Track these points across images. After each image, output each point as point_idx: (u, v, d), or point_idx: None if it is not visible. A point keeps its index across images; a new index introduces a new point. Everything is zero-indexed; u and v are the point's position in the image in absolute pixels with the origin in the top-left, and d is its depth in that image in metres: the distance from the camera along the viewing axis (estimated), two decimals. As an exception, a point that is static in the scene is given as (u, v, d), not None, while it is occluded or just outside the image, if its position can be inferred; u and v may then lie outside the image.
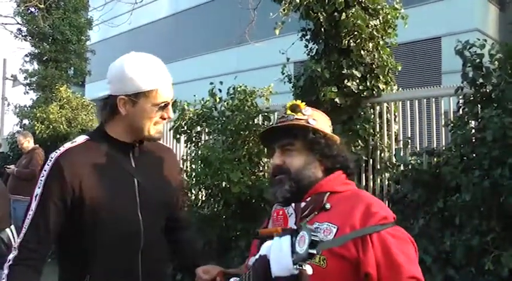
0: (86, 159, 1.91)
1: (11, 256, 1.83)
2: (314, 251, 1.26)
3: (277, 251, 1.36)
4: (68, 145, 1.95)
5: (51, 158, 1.90)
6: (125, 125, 1.97)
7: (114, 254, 1.90)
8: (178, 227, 2.28)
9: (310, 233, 1.27)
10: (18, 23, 13.32)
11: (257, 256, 1.48)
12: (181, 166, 6.89)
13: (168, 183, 2.14)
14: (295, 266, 1.29)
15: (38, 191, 1.87)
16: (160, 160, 2.15)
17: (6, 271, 1.80)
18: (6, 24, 13.09)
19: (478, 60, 3.91)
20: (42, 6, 10.53)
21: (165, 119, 1.99)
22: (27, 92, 13.71)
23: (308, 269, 1.30)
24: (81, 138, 1.99)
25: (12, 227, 4.42)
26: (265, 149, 5.76)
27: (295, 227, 1.35)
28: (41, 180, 1.87)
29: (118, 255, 1.91)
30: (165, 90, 1.95)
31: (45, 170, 1.88)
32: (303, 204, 1.69)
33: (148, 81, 1.90)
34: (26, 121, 12.26)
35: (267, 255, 1.40)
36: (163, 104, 1.94)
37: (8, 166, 8.12)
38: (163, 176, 2.13)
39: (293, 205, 1.70)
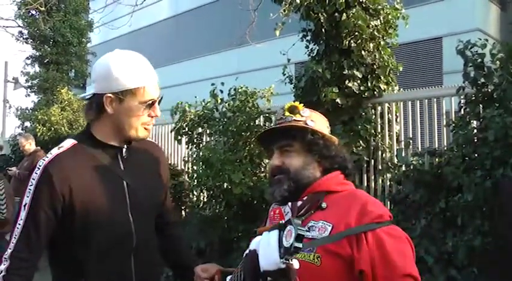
0: (75, 164, 1.88)
1: (2, 267, 1.79)
2: (300, 245, 1.26)
3: (265, 246, 1.37)
4: (55, 151, 1.91)
5: (39, 166, 1.86)
6: (112, 124, 1.94)
7: (107, 258, 1.88)
8: (165, 223, 2.26)
9: (297, 227, 1.27)
10: (19, 26, 13.39)
11: (247, 251, 1.49)
12: (182, 167, 6.90)
13: (157, 182, 2.13)
14: (282, 260, 1.30)
15: (26, 200, 1.83)
16: (148, 158, 2.13)
17: None
18: (7, 27, 13.15)
19: (479, 60, 3.91)
20: (43, 9, 10.54)
21: (152, 117, 1.96)
22: (29, 95, 13.78)
23: (295, 263, 1.30)
24: (68, 143, 1.95)
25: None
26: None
27: (282, 222, 1.35)
28: (30, 189, 1.83)
29: (110, 258, 1.89)
30: (152, 88, 1.93)
31: (33, 179, 1.84)
32: (299, 203, 1.70)
33: (134, 79, 1.88)
34: (27, 123, 12.32)
35: (256, 250, 1.42)
36: (150, 102, 1.92)
37: (9, 168, 8.14)
38: (152, 176, 2.11)
39: (290, 203, 1.71)
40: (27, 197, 1.83)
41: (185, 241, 2.43)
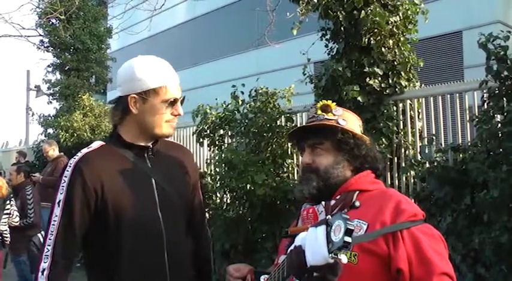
0: (104, 162, 1.95)
1: (45, 265, 1.83)
2: (349, 239, 1.26)
3: (313, 241, 1.36)
4: (84, 151, 1.99)
5: (70, 164, 1.93)
6: (137, 124, 2.01)
7: (138, 256, 1.93)
8: (192, 226, 2.24)
9: (346, 221, 1.27)
10: (40, 35, 13.55)
11: (292, 247, 1.48)
12: (205, 169, 6.94)
13: (185, 182, 2.16)
14: (330, 255, 1.29)
15: (60, 196, 1.89)
16: (175, 158, 2.17)
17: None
18: (29, 36, 13.30)
19: (502, 53, 3.85)
20: (63, 17, 10.70)
21: (175, 115, 2.03)
22: (51, 102, 13.94)
23: (343, 258, 1.30)
24: (96, 144, 2.04)
25: (43, 232, 4.55)
26: (289, 150, 5.70)
27: (329, 217, 1.35)
28: (63, 186, 1.90)
29: (143, 256, 1.93)
30: (173, 87, 2.00)
31: (65, 176, 1.91)
32: (332, 202, 1.71)
33: (156, 79, 1.96)
34: (50, 130, 12.46)
35: (302, 245, 1.41)
36: (172, 100, 1.99)
37: (33, 174, 8.26)
38: (179, 175, 2.14)
39: (323, 203, 1.72)
40: (61, 194, 1.89)
41: (208, 248, 2.38)
